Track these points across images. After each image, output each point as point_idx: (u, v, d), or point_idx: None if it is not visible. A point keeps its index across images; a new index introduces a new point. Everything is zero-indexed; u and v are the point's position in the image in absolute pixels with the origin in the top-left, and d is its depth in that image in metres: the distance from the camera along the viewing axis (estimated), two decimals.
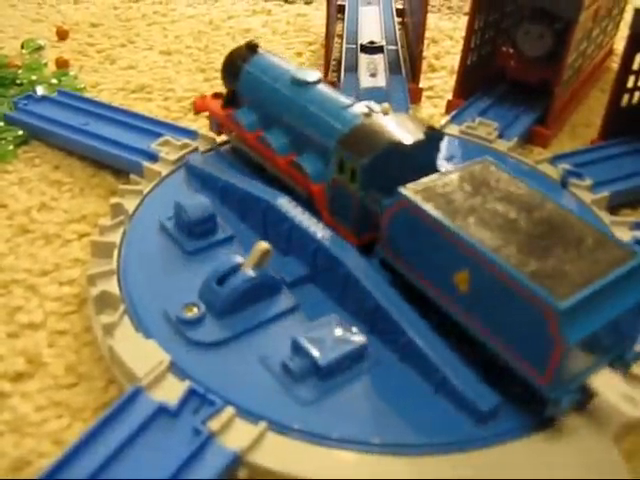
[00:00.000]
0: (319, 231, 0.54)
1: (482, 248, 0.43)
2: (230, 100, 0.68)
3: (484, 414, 0.42)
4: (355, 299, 0.50)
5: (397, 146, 0.52)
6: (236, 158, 0.69)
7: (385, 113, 0.56)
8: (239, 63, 0.67)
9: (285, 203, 0.57)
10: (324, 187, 0.57)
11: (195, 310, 0.49)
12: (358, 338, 0.47)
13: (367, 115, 0.56)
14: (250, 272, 0.50)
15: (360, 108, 0.57)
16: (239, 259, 0.51)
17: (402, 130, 0.54)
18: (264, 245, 0.50)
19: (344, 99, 0.59)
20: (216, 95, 0.70)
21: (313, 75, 0.62)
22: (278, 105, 0.62)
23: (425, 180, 0.48)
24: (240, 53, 0.68)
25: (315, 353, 0.45)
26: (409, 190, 0.47)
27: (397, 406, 0.44)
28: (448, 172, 0.50)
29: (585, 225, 0.45)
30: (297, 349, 0.46)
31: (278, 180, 0.62)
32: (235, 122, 0.66)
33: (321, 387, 0.45)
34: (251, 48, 0.68)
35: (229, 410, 0.43)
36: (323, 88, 0.61)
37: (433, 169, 0.54)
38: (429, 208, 0.46)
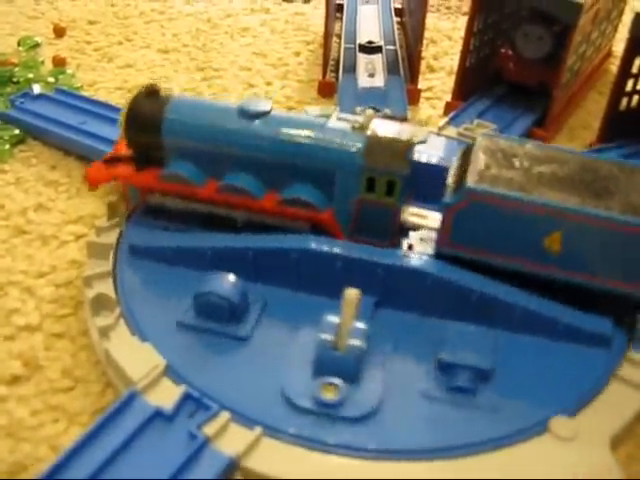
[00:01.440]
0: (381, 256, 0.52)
1: (572, 207, 0.48)
2: (147, 159, 0.57)
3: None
4: (447, 301, 0.50)
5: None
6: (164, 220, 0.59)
7: (364, 126, 0.54)
8: (155, 114, 0.56)
9: (320, 242, 0.53)
10: (334, 212, 0.55)
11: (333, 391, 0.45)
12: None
13: (360, 128, 0.54)
14: (360, 325, 0.47)
15: (341, 123, 0.55)
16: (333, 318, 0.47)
17: (404, 133, 0.53)
18: (354, 291, 0.45)
19: (313, 119, 0.57)
20: (112, 160, 0.59)
21: (264, 104, 0.56)
22: (233, 145, 0.55)
23: (469, 173, 0.50)
24: (151, 103, 0.56)
25: None
26: (474, 184, 0.49)
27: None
28: (468, 161, 0.52)
29: (611, 162, 0.53)
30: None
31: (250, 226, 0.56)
32: (173, 180, 0.56)
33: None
34: (156, 93, 0.57)
35: (225, 415, 0.43)
36: (281, 114, 0.58)
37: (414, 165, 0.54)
38: (505, 192, 0.48)
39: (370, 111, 0.56)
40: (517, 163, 0.52)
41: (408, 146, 0.52)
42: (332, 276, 0.51)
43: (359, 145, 0.53)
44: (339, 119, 0.56)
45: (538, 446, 0.42)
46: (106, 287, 0.52)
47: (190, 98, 0.62)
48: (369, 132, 0.53)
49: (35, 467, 0.42)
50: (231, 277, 0.50)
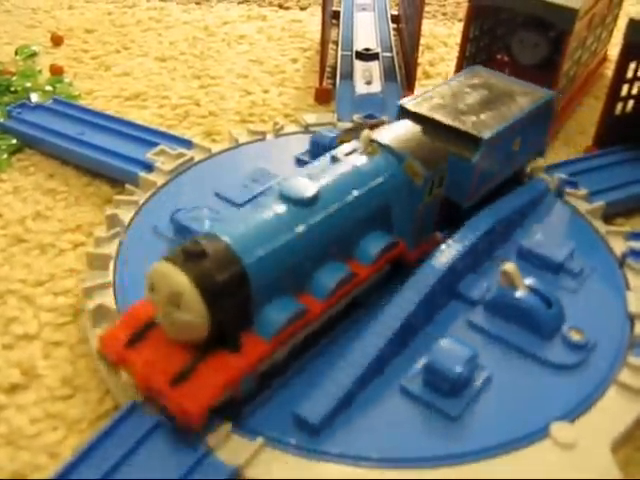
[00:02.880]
0: None
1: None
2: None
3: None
4: None
5: None
6: None
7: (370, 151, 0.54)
8: (233, 274, 0.43)
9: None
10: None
11: None
12: None
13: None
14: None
15: (358, 156, 0.53)
16: None
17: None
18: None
19: (345, 171, 0.51)
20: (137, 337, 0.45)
21: (306, 189, 0.48)
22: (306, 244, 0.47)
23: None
24: (215, 266, 0.42)
25: None
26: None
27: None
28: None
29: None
30: None
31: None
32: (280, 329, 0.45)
33: None
34: (202, 254, 0.42)
35: (226, 426, 0.43)
36: (322, 185, 0.50)
37: None
38: None
39: (365, 133, 0.55)
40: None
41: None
42: None
43: (400, 169, 0.52)
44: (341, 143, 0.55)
45: (539, 452, 0.43)
46: (106, 298, 0.52)
47: (237, 229, 0.45)
48: (403, 146, 0.53)
49: (34, 475, 0.42)
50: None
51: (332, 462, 0.42)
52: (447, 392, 0.45)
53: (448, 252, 0.54)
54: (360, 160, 0.52)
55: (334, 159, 0.52)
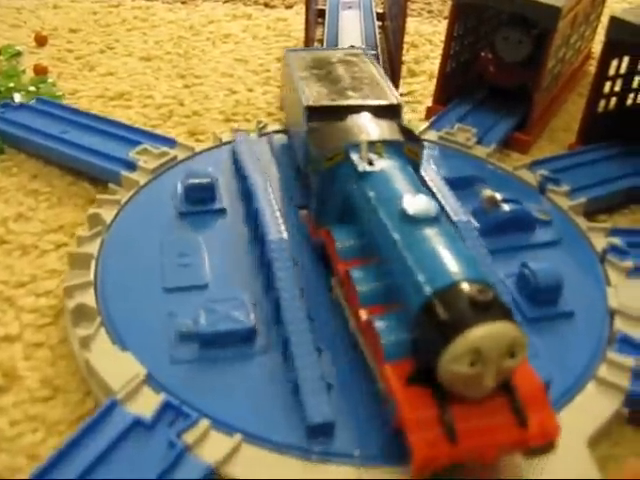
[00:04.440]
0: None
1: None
2: None
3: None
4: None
5: None
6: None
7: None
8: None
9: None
10: None
11: None
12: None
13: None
14: None
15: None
16: None
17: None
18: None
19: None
20: None
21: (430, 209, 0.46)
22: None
23: None
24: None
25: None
26: None
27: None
28: None
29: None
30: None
31: None
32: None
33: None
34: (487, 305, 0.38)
35: (204, 423, 0.43)
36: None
37: None
38: None
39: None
40: None
41: None
42: None
43: None
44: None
45: None
46: (87, 297, 0.52)
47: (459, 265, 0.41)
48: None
49: (13, 477, 0.42)
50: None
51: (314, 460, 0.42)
52: None
53: None
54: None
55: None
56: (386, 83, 0.65)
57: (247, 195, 0.62)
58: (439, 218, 0.45)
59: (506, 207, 0.60)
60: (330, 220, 0.53)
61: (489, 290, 0.38)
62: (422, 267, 0.42)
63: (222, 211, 0.62)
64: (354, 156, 0.51)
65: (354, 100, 0.61)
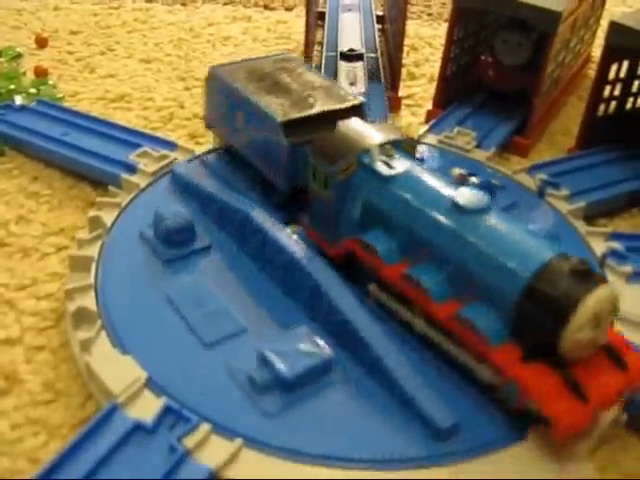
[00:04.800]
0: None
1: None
2: None
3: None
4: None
5: None
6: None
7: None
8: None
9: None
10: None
11: None
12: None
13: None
14: None
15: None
16: None
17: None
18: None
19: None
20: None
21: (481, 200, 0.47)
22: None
23: None
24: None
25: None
26: None
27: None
28: None
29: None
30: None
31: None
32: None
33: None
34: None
35: (205, 427, 0.43)
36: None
37: None
38: None
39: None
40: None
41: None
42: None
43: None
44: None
45: (517, 454, 0.43)
46: (87, 300, 0.52)
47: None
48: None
49: None
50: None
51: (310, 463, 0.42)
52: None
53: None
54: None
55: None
56: (334, 83, 0.67)
57: (240, 222, 0.58)
58: (491, 206, 0.47)
59: (474, 179, 0.59)
60: (350, 230, 0.53)
61: (582, 259, 0.42)
62: (506, 254, 0.44)
63: (208, 248, 0.58)
64: (369, 161, 0.51)
65: (320, 107, 0.61)
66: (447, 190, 0.49)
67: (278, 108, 0.60)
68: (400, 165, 0.51)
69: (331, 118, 0.57)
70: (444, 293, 0.46)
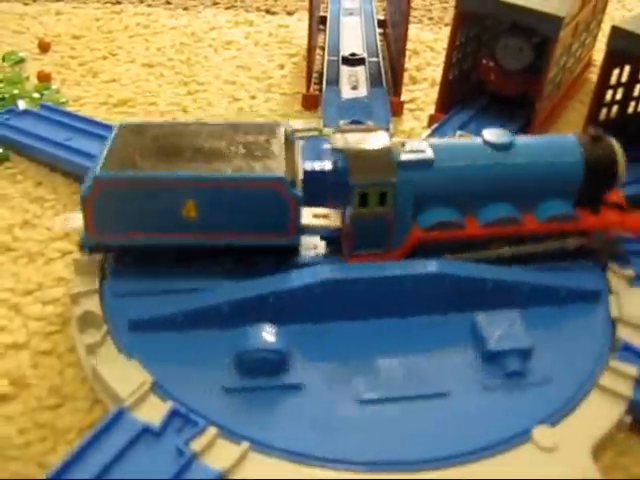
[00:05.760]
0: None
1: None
2: None
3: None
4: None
5: None
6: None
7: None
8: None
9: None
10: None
11: None
12: None
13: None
14: None
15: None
16: None
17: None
18: None
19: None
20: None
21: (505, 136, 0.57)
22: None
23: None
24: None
25: None
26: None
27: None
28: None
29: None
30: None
31: None
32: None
33: None
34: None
35: (212, 430, 0.43)
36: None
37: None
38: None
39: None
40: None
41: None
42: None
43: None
44: None
45: (521, 456, 0.43)
46: (93, 304, 0.53)
47: None
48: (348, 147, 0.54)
49: None
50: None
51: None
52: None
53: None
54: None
55: None
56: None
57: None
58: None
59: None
60: (406, 226, 0.55)
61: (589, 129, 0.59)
62: (553, 158, 0.57)
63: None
64: (399, 157, 0.54)
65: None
66: (473, 140, 0.59)
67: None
68: (418, 147, 0.55)
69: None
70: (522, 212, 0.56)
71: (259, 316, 0.49)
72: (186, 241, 0.53)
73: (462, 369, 0.49)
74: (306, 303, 0.51)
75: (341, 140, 0.55)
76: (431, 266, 0.52)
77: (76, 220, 0.55)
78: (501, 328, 0.50)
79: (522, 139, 0.58)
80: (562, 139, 0.59)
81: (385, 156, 0.54)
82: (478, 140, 0.57)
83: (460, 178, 0.55)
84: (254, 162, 0.53)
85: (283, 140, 0.56)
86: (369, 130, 0.57)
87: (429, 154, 0.55)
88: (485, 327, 0.50)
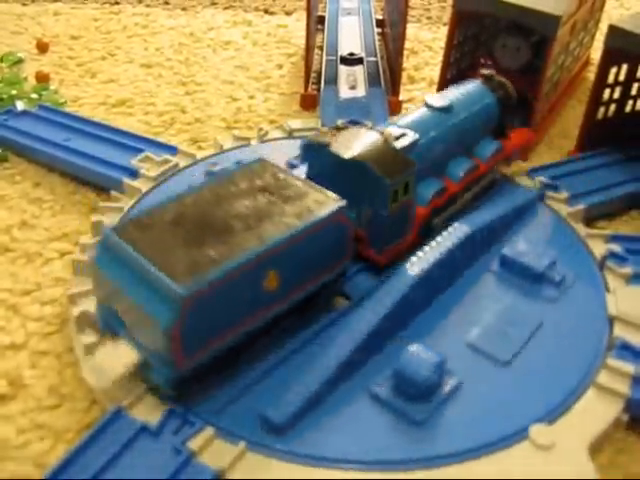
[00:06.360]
0: None
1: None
2: None
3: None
4: None
5: None
6: None
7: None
8: None
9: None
10: None
11: None
12: None
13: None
14: None
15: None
16: None
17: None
18: None
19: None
20: None
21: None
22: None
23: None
24: None
25: None
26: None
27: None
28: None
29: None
30: None
31: None
32: None
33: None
34: None
35: (209, 430, 0.43)
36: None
37: None
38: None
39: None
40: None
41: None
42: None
43: None
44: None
45: (518, 454, 0.43)
46: (91, 305, 0.52)
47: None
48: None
49: None
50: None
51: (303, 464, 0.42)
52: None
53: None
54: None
55: None
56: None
57: None
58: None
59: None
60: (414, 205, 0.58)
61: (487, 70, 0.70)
62: (475, 102, 0.66)
63: None
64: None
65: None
66: (421, 109, 0.63)
67: None
68: (397, 132, 0.58)
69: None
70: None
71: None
72: (270, 314, 0.48)
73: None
74: (405, 311, 0.52)
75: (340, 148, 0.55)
76: (463, 228, 0.58)
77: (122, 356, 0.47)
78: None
79: (448, 96, 0.65)
80: (474, 86, 0.67)
81: (399, 151, 0.55)
82: (424, 109, 0.63)
83: (434, 147, 0.60)
84: (299, 202, 0.49)
85: (285, 168, 0.55)
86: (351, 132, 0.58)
87: (413, 135, 0.58)
88: None
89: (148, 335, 0.43)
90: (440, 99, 0.63)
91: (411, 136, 0.58)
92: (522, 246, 0.60)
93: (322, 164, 0.55)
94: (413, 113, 0.62)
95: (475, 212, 0.63)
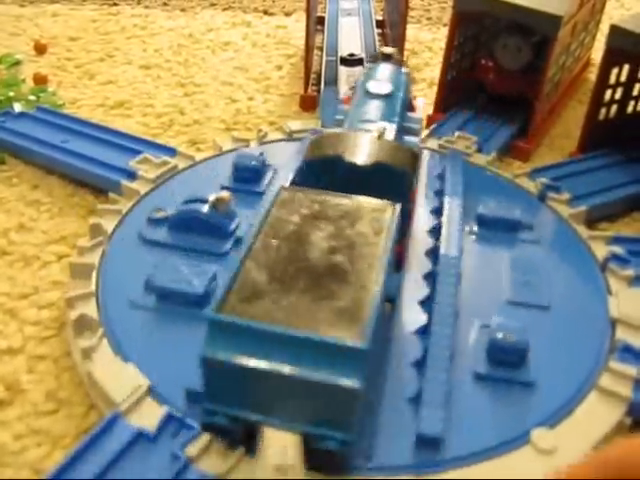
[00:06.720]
0: None
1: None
2: None
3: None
4: None
5: None
6: None
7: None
8: None
9: None
10: None
11: None
12: None
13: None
14: None
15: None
16: None
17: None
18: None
19: None
20: None
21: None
22: None
23: None
24: None
25: None
26: None
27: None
28: None
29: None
30: None
31: None
32: None
33: None
34: None
35: (207, 435, 0.43)
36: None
37: None
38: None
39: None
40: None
41: None
42: None
43: None
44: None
45: (519, 458, 0.43)
46: (89, 308, 0.52)
47: None
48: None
49: None
50: None
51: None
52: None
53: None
54: None
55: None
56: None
57: None
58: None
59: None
60: None
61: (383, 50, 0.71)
62: (399, 82, 0.66)
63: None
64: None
65: None
66: (365, 99, 0.63)
67: None
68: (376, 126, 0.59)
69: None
70: None
71: None
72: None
73: None
74: None
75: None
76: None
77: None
78: None
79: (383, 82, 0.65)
80: (388, 68, 0.68)
81: (403, 146, 0.56)
82: (370, 99, 0.63)
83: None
84: (361, 218, 0.47)
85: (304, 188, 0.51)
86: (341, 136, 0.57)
87: (390, 125, 0.58)
88: None
89: (321, 406, 0.39)
90: (382, 86, 0.64)
91: (390, 127, 0.58)
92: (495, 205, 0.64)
93: (333, 176, 0.53)
94: (358, 102, 0.63)
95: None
